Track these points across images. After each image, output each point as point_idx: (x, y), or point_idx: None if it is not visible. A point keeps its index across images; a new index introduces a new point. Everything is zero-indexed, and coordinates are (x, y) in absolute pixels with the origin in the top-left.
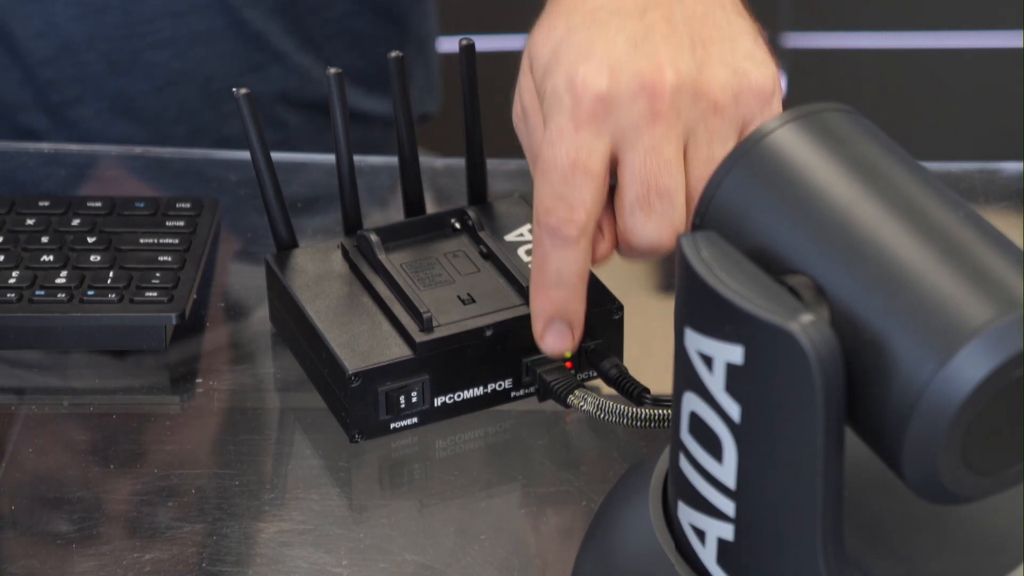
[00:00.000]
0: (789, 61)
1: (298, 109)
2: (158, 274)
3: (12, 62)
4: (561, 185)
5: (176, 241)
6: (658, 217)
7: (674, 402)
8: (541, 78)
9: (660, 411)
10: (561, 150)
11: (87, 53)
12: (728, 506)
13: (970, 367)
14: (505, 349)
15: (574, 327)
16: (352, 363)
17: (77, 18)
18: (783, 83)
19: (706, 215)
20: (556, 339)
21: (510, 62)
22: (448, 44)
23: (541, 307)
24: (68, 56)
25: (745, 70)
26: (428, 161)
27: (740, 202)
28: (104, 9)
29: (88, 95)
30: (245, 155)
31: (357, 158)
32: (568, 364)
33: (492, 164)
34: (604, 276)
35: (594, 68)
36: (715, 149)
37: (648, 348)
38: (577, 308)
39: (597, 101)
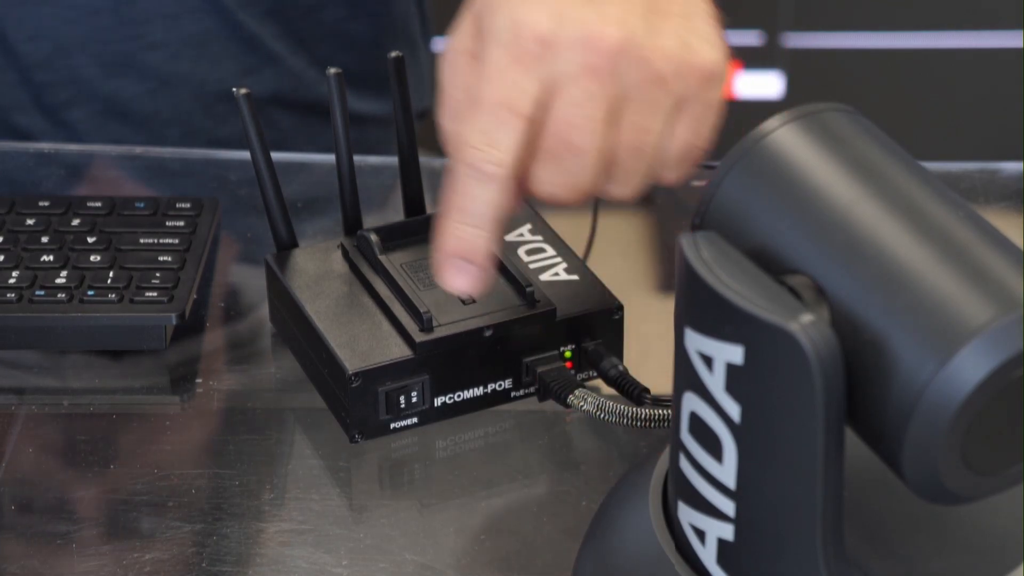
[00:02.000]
0: (789, 61)
1: (292, 111)
2: (158, 274)
3: (7, 64)
4: (487, 121)
5: (176, 241)
6: (562, 173)
7: (674, 402)
8: (480, 15)
9: (660, 411)
10: (492, 85)
11: (80, 56)
12: (728, 506)
13: (970, 367)
14: (505, 349)
15: (479, 268)
16: (352, 363)
17: (70, 21)
18: (727, 71)
19: (706, 215)
20: (457, 276)
21: None
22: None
23: (447, 242)
24: (61, 59)
25: (695, 47)
26: (428, 161)
27: (740, 202)
28: (97, 12)
29: (82, 98)
30: (245, 155)
31: (357, 158)
32: (568, 364)
33: None
34: (604, 276)
35: (540, 9)
36: (646, 119)
37: (648, 348)
38: (485, 247)
39: (536, 42)
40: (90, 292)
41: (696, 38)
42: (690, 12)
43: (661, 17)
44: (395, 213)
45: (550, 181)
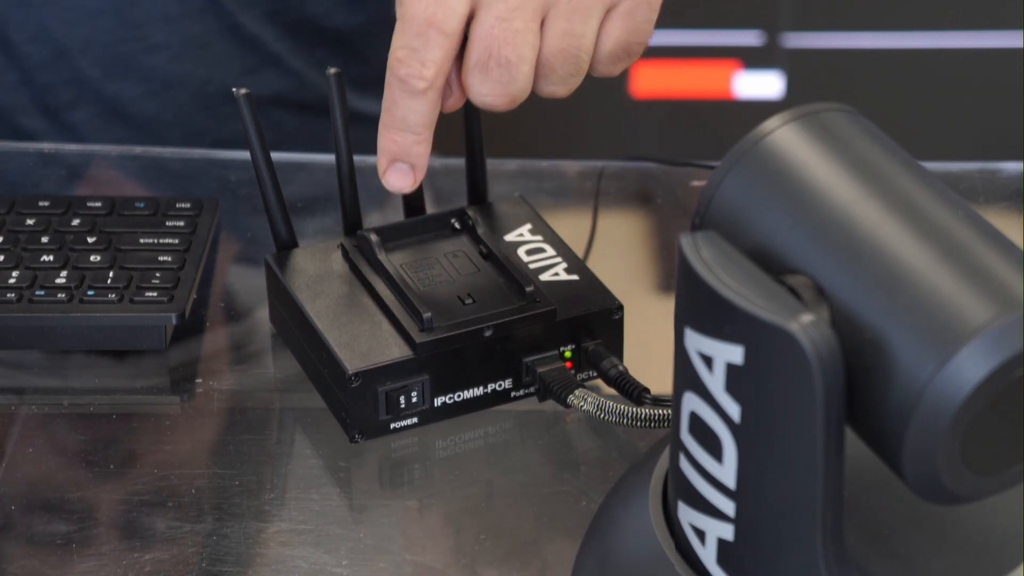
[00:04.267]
0: (789, 61)
1: (293, 111)
2: (158, 274)
3: (9, 65)
4: (415, 39)
5: (176, 241)
6: (493, 82)
7: (674, 402)
8: None
9: (660, 411)
10: (420, 4)
11: (81, 58)
12: (728, 506)
13: (970, 367)
14: (505, 349)
15: (416, 168)
16: (352, 363)
17: (71, 23)
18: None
19: (706, 215)
20: (397, 177)
21: None
22: None
23: (387, 147)
24: (63, 60)
25: None
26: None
27: (740, 202)
28: (98, 14)
29: (83, 99)
30: (245, 155)
31: (357, 158)
32: (568, 364)
33: (492, 164)
34: (604, 276)
35: None
36: (574, 24)
37: (648, 348)
38: (421, 151)
39: None
40: (90, 292)
41: None
42: None
43: None
44: (395, 213)
45: (484, 92)
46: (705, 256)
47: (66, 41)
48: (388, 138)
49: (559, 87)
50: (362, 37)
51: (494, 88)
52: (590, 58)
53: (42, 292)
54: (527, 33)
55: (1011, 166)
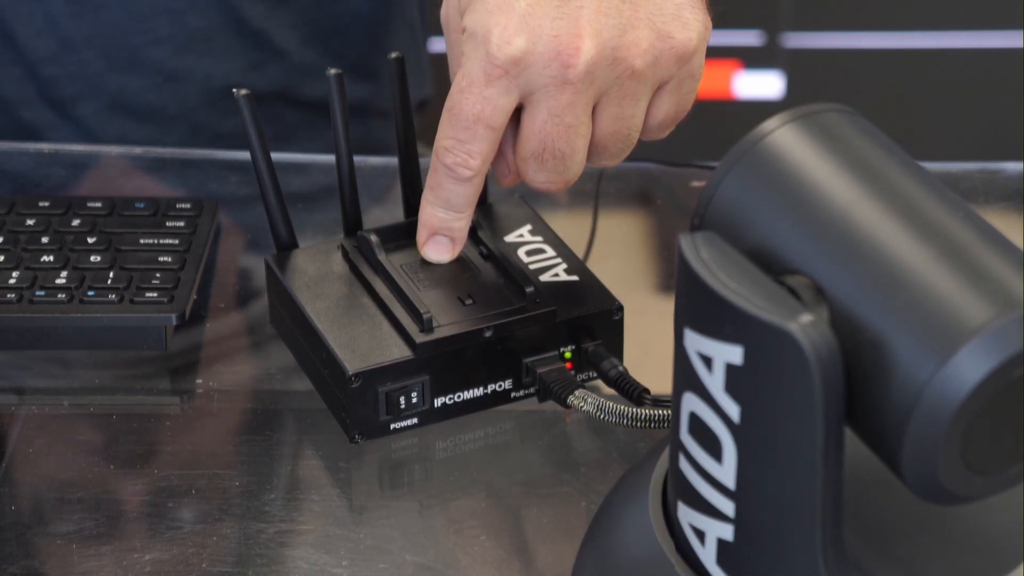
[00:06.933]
0: (789, 61)
1: (296, 106)
2: (158, 275)
3: (14, 58)
4: (463, 132)
5: (176, 242)
6: (549, 172)
7: (674, 402)
8: (465, 5)
9: (660, 411)
10: (468, 100)
11: (86, 51)
12: (728, 506)
13: (969, 367)
14: (505, 350)
15: (455, 241)
16: (352, 364)
17: (76, 16)
18: (707, 39)
19: (706, 215)
20: (437, 249)
21: None
22: None
23: (428, 221)
24: (68, 54)
25: (669, 32)
26: (428, 161)
27: (740, 202)
28: (103, 7)
29: (88, 93)
30: (245, 155)
31: (357, 158)
32: (568, 365)
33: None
34: (604, 276)
35: (513, 27)
36: (625, 108)
37: (648, 348)
38: (461, 226)
39: (511, 62)
40: (90, 292)
41: (671, 21)
42: None
43: (636, 5)
44: (395, 213)
45: (540, 179)
46: (704, 256)
47: (71, 34)
48: (430, 213)
49: (611, 160)
50: (373, 23)
51: (550, 176)
52: (639, 132)
53: (42, 292)
54: (579, 126)
55: (1011, 166)
